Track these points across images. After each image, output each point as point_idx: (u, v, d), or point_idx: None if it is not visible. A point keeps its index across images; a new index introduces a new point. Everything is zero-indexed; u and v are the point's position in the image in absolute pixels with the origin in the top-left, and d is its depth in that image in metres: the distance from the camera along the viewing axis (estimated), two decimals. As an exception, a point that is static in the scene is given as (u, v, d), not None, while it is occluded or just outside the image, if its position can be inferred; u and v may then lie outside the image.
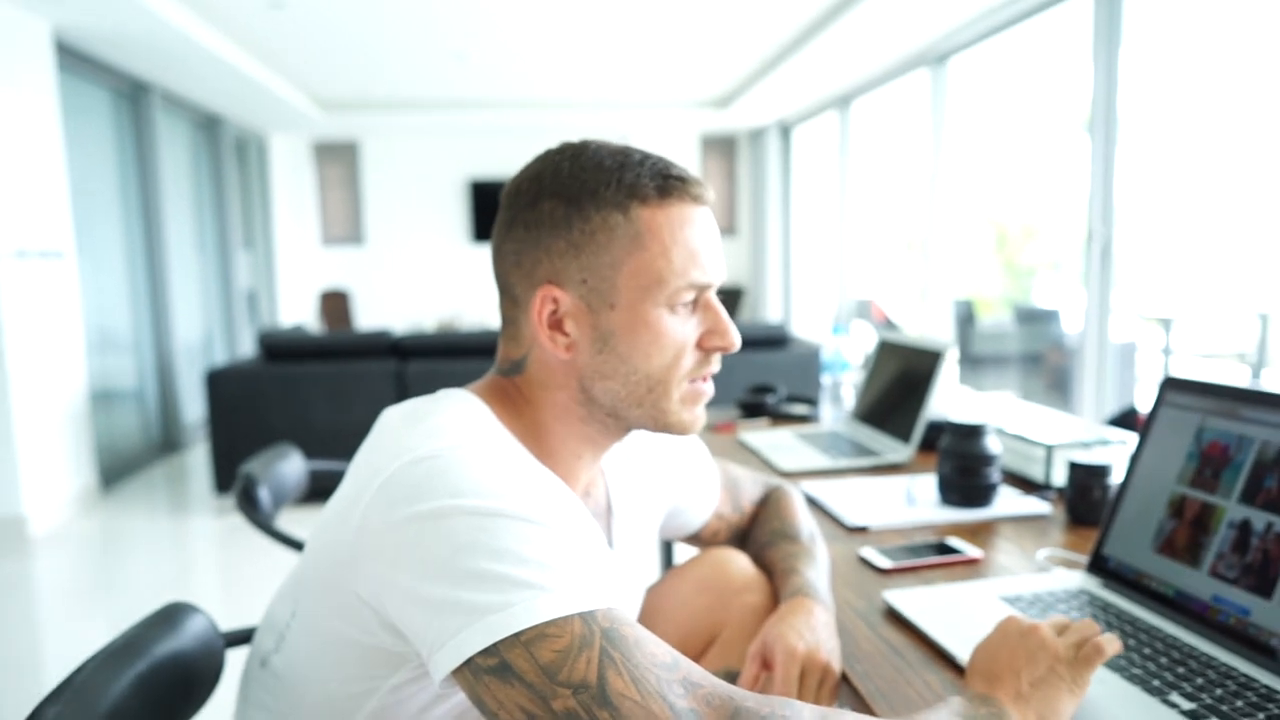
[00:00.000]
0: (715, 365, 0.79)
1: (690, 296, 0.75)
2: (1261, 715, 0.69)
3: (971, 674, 0.72)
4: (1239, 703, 0.71)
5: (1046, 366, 5.39)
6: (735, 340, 0.77)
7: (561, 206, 0.73)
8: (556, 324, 0.75)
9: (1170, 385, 0.99)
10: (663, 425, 0.78)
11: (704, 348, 0.77)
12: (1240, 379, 4.74)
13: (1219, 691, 0.73)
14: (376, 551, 0.64)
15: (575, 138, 0.80)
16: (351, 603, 0.66)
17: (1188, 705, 0.71)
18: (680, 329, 0.75)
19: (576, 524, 0.71)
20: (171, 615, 0.81)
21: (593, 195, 0.72)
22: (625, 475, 0.92)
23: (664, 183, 0.73)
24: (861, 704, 0.79)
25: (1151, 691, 0.74)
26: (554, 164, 0.75)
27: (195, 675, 0.80)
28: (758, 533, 1.06)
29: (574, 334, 0.75)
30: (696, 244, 0.74)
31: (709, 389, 0.80)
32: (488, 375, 0.82)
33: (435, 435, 0.68)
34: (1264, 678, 0.75)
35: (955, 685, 0.78)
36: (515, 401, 0.79)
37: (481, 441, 0.70)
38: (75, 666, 0.70)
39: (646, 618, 1.03)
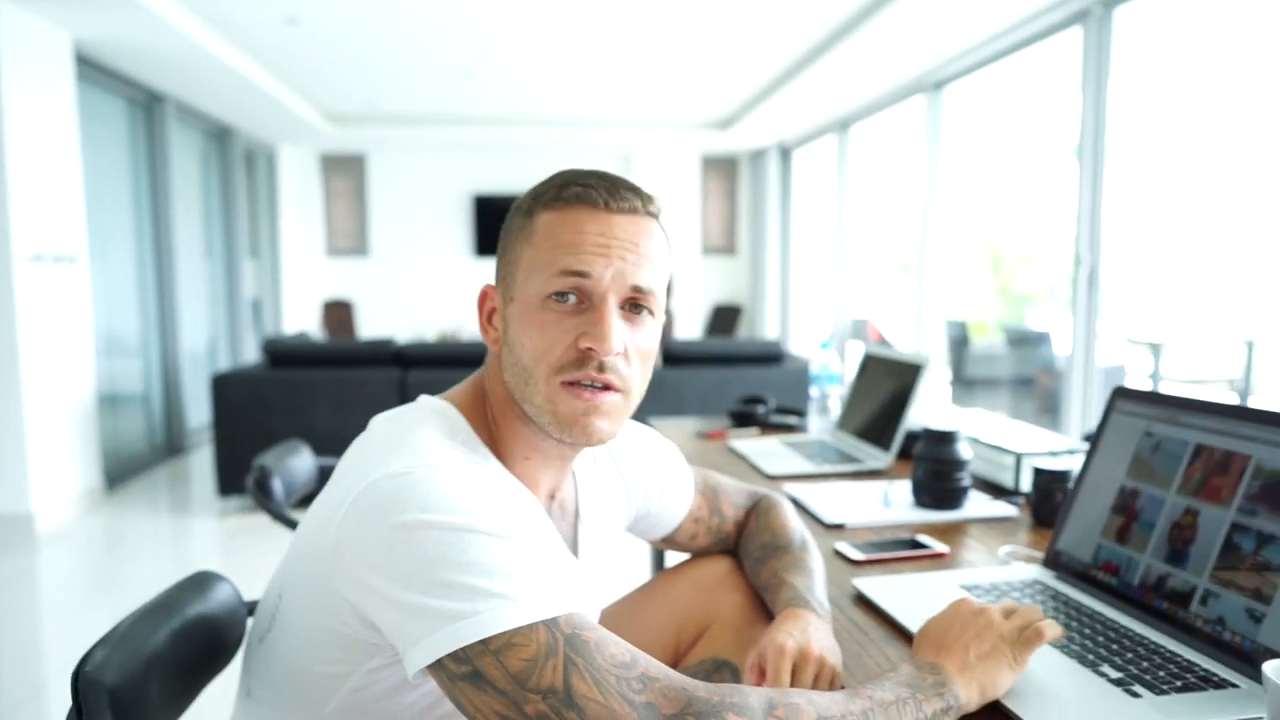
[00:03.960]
0: (601, 373, 0.78)
1: (560, 285, 0.77)
2: (1178, 683, 0.77)
3: (921, 644, 0.79)
4: (1161, 673, 0.79)
5: (1038, 389, 5.48)
6: (605, 345, 0.76)
7: (509, 218, 0.85)
8: (491, 319, 0.85)
9: (1120, 394, 1.07)
10: (540, 420, 0.79)
11: (578, 348, 0.77)
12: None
13: (1144, 664, 0.81)
14: (353, 556, 0.70)
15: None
16: (331, 598, 0.73)
17: (1115, 675, 0.79)
18: (557, 323, 0.77)
19: (539, 535, 0.77)
20: (201, 581, 0.89)
21: (519, 206, 0.84)
22: (594, 479, 0.97)
23: (563, 190, 0.80)
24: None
25: (1085, 664, 0.82)
26: None
27: (221, 635, 0.88)
28: (749, 546, 1.08)
29: (499, 328, 0.84)
30: (580, 238, 0.77)
31: (592, 396, 0.78)
32: (476, 372, 0.89)
33: (410, 453, 0.74)
34: (1185, 653, 0.83)
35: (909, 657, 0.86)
36: (481, 403, 0.85)
37: (451, 458, 0.75)
38: (79, 656, 0.76)
39: (645, 611, 1.10)
